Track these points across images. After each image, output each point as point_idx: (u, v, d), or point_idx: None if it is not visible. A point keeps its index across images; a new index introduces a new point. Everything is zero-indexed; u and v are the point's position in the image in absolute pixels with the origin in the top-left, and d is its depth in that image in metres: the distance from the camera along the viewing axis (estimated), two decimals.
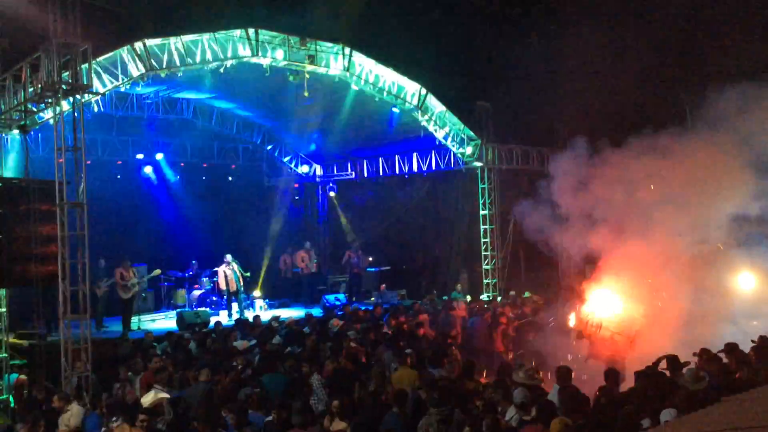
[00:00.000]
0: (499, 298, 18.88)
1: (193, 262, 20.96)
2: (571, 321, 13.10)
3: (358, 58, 16.83)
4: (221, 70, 15.12)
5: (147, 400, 8.99)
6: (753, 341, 10.18)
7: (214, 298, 19.59)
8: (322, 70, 16.26)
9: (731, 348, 9.77)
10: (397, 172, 22.28)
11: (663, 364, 9.04)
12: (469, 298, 18.90)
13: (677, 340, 10.77)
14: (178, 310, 18.50)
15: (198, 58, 14.61)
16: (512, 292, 19.05)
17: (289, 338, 13.21)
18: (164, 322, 17.93)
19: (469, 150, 19.69)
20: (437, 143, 19.87)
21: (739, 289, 13.50)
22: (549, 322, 14.42)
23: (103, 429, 8.35)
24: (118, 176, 20.66)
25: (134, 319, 17.06)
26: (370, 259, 22.33)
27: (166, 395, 9.22)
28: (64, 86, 11.20)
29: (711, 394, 6.86)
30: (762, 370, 8.70)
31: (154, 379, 10.19)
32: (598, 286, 12.96)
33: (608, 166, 13.14)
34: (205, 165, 22.73)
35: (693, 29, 17.83)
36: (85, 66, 11.43)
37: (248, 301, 19.71)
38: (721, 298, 12.64)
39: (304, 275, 21.62)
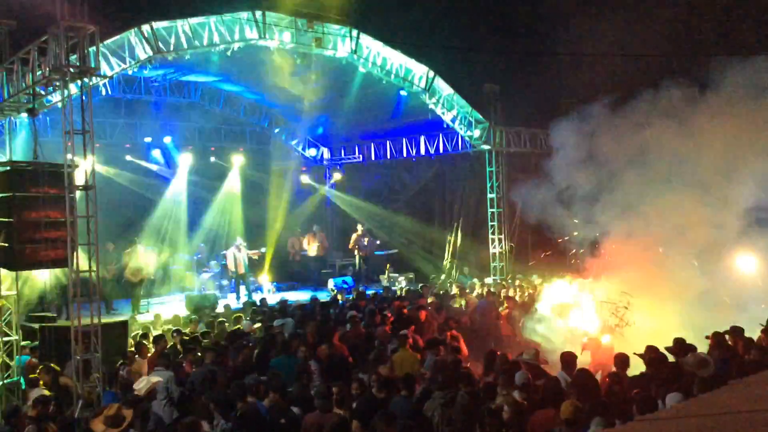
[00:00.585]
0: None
1: (202, 245, 21.04)
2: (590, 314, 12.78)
3: (366, 40, 16.74)
4: (228, 52, 15.09)
5: (141, 386, 8.73)
6: (762, 324, 10.16)
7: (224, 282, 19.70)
8: (329, 52, 16.20)
9: (736, 331, 9.75)
10: (405, 155, 22.23)
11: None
12: (476, 281, 18.93)
13: (686, 326, 10.71)
14: (187, 293, 18.61)
15: (205, 41, 14.57)
16: (519, 276, 19.06)
17: (300, 321, 13.23)
18: (173, 305, 18.03)
19: (476, 133, 19.61)
20: (445, 126, 19.81)
21: (747, 273, 13.40)
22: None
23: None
24: (127, 159, 20.70)
25: (143, 302, 17.18)
26: (378, 242, 22.36)
27: (159, 378, 9.10)
28: (71, 69, 11.17)
29: (718, 379, 6.86)
30: None
31: (156, 363, 10.26)
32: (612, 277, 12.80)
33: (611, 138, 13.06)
34: (212, 148, 22.73)
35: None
36: (92, 49, 11.39)
37: (256, 284, 19.80)
38: (730, 283, 12.60)
39: (311, 258, 21.67)
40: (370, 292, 17.52)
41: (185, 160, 21.79)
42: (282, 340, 11.18)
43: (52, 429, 8.13)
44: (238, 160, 22.84)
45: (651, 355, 8.60)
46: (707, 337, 9.59)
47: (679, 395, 6.66)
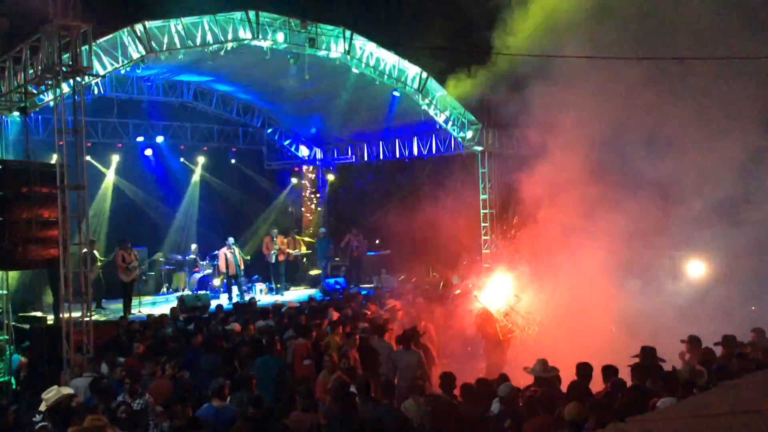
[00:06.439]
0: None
1: (194, 245, 20.99)
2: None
3: (359, 41, 16.73)
4: (222, 52, 15.06)
5: (49, 396, 7.88)
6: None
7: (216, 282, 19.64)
8: (322, 53, 16.19)
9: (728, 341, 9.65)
10: (398, 155, 22.24)
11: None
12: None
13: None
14: (179, 293, 18.55)
15: (198, 41, 14.53)
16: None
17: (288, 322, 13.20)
18: (165, 305, 17.99)
19: (469, 134, 19.62)
20: (438, 127, 19.82)
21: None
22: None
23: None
24: (118, 159, 20.65)
25: (134, 302, 17.13)
26: (378, 241, 22.42)
27: (71, 390, 8.36)
28: (64, 68, 11.15)
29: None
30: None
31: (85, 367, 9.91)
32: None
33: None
34: (205, 148, 22.70)
35: None
36: (85, 48, 11.38)
37: (248, 285, 19.77)
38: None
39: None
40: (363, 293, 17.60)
41: (177, 160, 21.74)
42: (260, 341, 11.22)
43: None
44: (231, 160, 22.84)
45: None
46: (716, 344, 9.56)
47: (672, 399, 6.66)
